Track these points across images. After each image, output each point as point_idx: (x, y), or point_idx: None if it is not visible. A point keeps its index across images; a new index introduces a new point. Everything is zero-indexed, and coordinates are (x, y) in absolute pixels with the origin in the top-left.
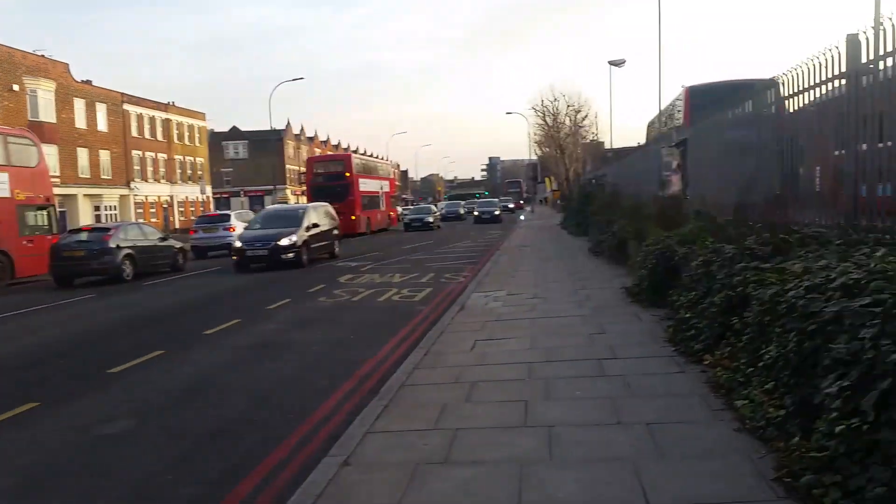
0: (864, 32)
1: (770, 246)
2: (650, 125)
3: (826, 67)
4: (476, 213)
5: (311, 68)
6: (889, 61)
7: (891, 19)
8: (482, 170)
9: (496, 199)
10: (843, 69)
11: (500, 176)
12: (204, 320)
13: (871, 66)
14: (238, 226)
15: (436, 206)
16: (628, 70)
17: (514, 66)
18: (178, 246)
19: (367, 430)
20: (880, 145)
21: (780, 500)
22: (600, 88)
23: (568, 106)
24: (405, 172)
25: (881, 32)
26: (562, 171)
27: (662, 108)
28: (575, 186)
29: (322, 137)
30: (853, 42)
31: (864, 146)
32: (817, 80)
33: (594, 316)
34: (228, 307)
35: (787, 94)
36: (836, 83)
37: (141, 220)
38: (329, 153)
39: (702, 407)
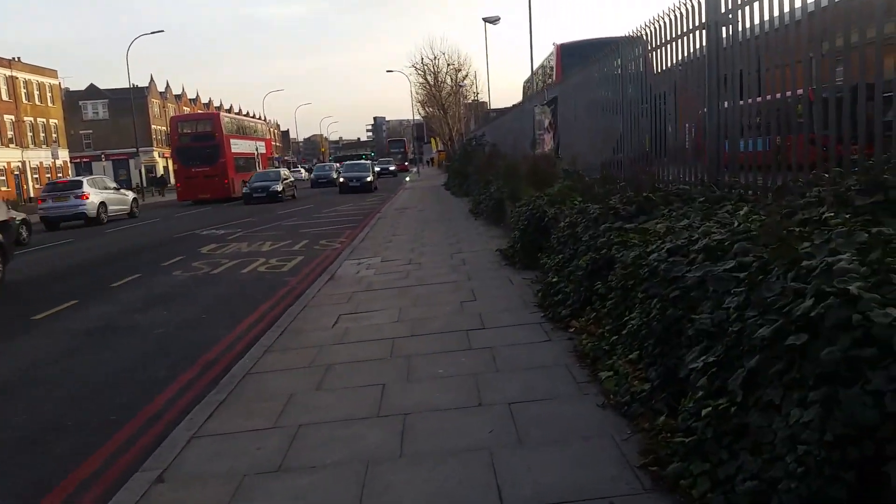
0: None
1: (634, 205)
2: (526, 84)
3: (687, 18)
4: (341, 181)
5: (179, 22)
6: (748, 10)
7: None
8: (367, 130)
9: (369, 162)
10: (703, 20)
11: (385, 136)
12: (33, 303)
13: (731, 15)
14: (92, 193)
15: (293, 169)
16: (506, 28)
17: (394, 23)
18: (18, 218)
19: (193, 434)
20: (741, 103)
21: (646, 492)
22: (479, 47)
23: (448, 65)
24: (286, 133)
25: None
26: (446, 131)
27: (537, 66)
28: (458, 147)
29: (191, 95)
30: None
31: (726, 104)
32: (679, 32)
33: (467, 281)
34: (64, 285)
35: (651, 48)
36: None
37: None
38: (197, 112)
39: (566, 380)
